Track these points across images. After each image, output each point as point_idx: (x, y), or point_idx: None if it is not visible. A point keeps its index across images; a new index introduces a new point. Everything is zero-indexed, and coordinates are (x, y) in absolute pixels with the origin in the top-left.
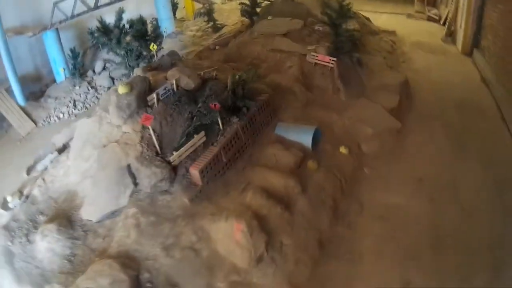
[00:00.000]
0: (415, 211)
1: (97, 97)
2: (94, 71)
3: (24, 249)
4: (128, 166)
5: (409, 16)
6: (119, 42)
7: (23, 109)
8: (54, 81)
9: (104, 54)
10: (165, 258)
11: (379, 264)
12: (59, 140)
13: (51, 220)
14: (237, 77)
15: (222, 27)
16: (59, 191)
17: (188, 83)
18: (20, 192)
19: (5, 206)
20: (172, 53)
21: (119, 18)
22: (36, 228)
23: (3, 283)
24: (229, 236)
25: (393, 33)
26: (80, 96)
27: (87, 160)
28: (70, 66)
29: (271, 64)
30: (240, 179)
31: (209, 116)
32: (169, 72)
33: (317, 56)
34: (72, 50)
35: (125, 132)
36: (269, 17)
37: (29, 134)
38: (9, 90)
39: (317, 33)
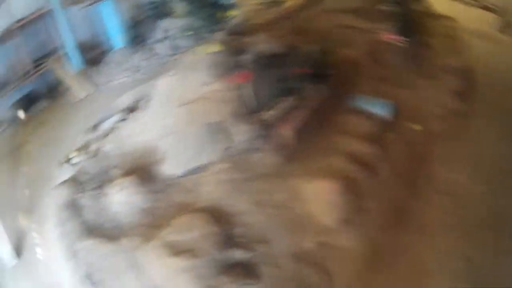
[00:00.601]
0: (476, 191)
1: (160, 64)
2: (152, 40)
3: (95, 202)
4: (220, 122)
5: (466, 3)
6: (199, 7)
7: (82, 73)
8: (111, 48)
9: (163, 23)
10: (257, 214)
11: (444, 238)
12: (124, 102)
13: (128, 173)
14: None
15: (283, 1)
16: (135, 146)
17: (273, 48)
18: (85, 149)
19: (69, 162)
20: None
21: None
22: (109, 181)
23: (71, 236)
24: (321, 196)
25: (452, 19)
26: (141, 63)
27: (170, 117)
28: (128, 34)
29: (340, 39)
30: (326, 143)
31: (298, 80)
32: (254, 37)
33: (386, 34)
34: (133, 18)
35: (217, 90)
36: None
37: (88, 97)
38: (66, 57)
39: (384, 11)
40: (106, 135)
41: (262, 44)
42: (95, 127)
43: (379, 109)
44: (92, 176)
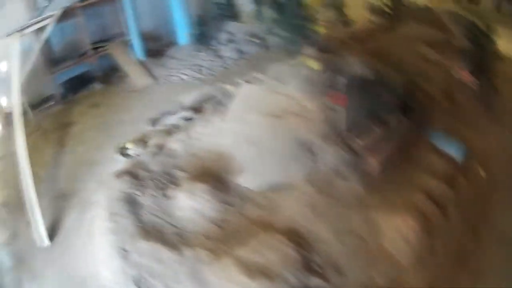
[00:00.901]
0: None
1: (224, 66)
2: (217, 42)
3: (157, 203)
4: (308, 141)
5: None
6: (288, 17)
7: (142, 63)
8: (174, 43)
9: (228, 26)
10: (336, 243)
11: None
12: (187, 100)
13: (197, 178)
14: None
15: (352, 22)
16: (207, 149)
17: (366, 72)
18: (142, 142)
19: (123, 152)
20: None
21: None
22: (174, 183)
23: (124, 233)
24: (398, 232)
25: None
26: (205, 62)
27: (250, 126)
28: (194, 32)
29: (418, 71)
30: (404, 177)
31: (387, 109)
32: (344, 58)
33: (459, 72)
34: (200, 17)
35: (307, 107)
36: (411, 23)
37: (145, 88)
38: (127, 44)
39: (457, 46)
40: (168, 131)
41: (355, 66)
42: (155, 120)
43: (451, 149)
44: (154, 174)
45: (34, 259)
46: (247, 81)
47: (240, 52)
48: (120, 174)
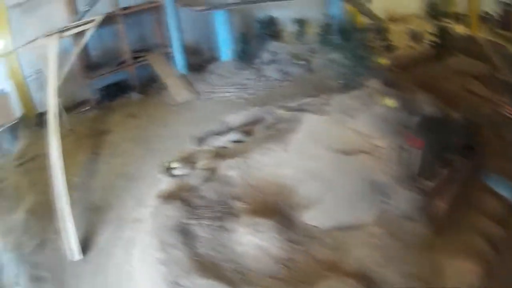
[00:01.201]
0: None
1: (268, 86)
2: (260, 60)
3: (214, 235)
4: (379, 182)
5: None
6: (354, 45)
7: (183, 77)
8: (215, 58)
9: (270, 45)
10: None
11: None
12: (234, 120)
13: (258, 211)
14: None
15: (395, 48)
16: (267, 180)
17: (437, 113)
18: (191, 162)
19: (168, 171)
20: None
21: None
22: (232, 214)
23: (176, 268)
24: (462, 277)
25: None
26: (249, 81)
27: (317, 160)
28: (237, 49)
29: (468, 106)
30: (466, 220)
31: (455, 150)
32: (417, 96)
33: (508, 108)
34: (244, 34)
35: (379, 146)
36: (458, 55)
37: (187, 103)
38: (167, 56)
39: (503, 81)
40: (217, 153)
41: (424, 104)
42: (200, 139)
43: (507, 192)
44: (208, 202)
45: (63, 273)
46: (312, 111)
47: (284, 73)
48: (167, 197)
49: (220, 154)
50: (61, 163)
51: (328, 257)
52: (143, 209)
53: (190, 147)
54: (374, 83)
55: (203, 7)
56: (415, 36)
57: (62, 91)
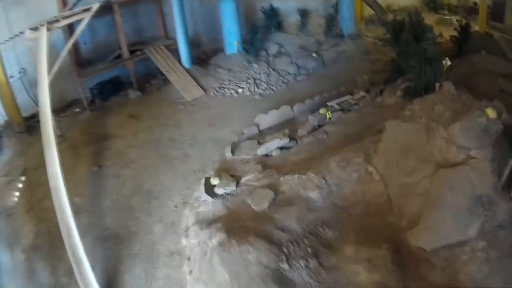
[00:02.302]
0: None
1: (282, 81)
2: (267, 53)
3: (317, 278)
4: (481, 195)
5: None
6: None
7: (188, 72)
8: (218, 50)
9: (276, 36)
10: None
11: None
12: (264, 122)
13: (358, 239)
14: None
15: None
16: (355, 199)
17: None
18: (232, 176)
19: (209, 190)
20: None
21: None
22: (329, 246)
23: None
24: None
25: None
26: (261, 76)
27: (411, 173)
28: (244, 40)
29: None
30: None
31: None
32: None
33: None
34: (253, 25)
35: (473, 158)
36: (483, 52)
37: (195, 100)
38: (170, 49)
39: None
40: (264, 164)
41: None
42: (233, 148)
43: None
44: (291, 234)
45: None
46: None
47: (297, 66)
48: (220, 225)
49: (268, 165)
50: (63, 180)
51: (441, 279)
52: (182, 238)
53: (226, 157)
54: (448, 87)
55: None
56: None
57: (50, 91)
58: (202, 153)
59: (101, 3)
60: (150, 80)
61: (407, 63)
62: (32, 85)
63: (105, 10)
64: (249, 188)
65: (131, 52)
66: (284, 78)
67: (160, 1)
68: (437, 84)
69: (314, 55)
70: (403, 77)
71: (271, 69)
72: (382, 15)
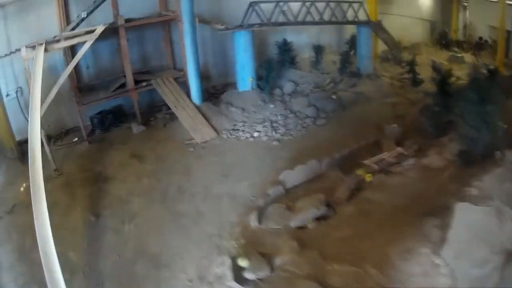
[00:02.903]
0: None
1: (302, 125)
2: (282, 91)
3: None
4: None
5: None
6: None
7: (199, 109)
8: (228, 86)
9: (289, 73)
10: None
11: None
12: (290, 180)
13: None
14: None
15: (422, 82)
16: None
17: None
18: (262, 254)
19: (237, 274)
20: None
21: None
22: None
23: None
24: None
25: None
26: (278, 118)
27: (480, 266)
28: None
29: None
30: None
31: None
32: None
33: None
34: (268, 61)
35: None
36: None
37: (206, 143)
38: (178, 81)
39: None
40: (300, 240)
41: None
42: (260, 213)
43: None
44: None
45: None
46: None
47: (316, 109)
48: None
49: (305, 241)
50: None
51: None
52: None
53: (241, 216)
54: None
55: (225, 26)
56: (438, 68)
57: (47, 117)
58: (217, 212)
59: (106, 25)
60: (155, 113)
61: (464, 124)
62: (28, 106)
63: (110, 33)
64: (287, 276)
65: (137, 82)
66: (303, 122)
67: (169, 27)
68: (498, 153)
69: (333, 97)
70: (448, 135)
71: (288, 111)
72: (397, 53)
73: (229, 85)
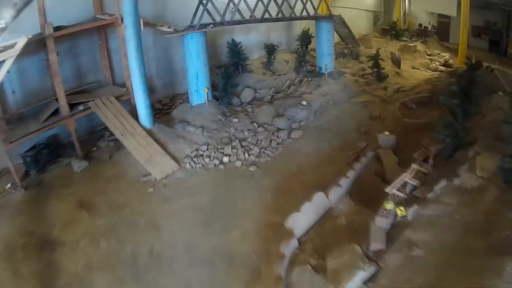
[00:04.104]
0: None
1: (275, 141)
2: (241, 100)
3: None
4: None
5: None
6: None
7: (150, 133)
8: (174, 97)
9: (244, 78)
10: None
11: None
12: (300, 226)
13: None
14: None
15: (387, 77)
16: None
17: None
18: None
19: None
20: None
21: None
22: None
23: None
24: None
25: None
26: (245, 134)
27: None
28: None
29: None
30: None
31: None
32: None
33: None
34: (224, 67)
35: None
36: (499, 93)
37: (168, 179)
38: (121, 100)
39: None
40: None
41: None
42: (285, 282)
43: None
44: None
45: None
46: None
47: (285, 118)
48: None
49: None
50: None
51: None
52: None
53: None
54: None
55: (174, 28)
56: (398, 61)
57: None
58: (216, 285)
59: (29, 36)
60: (97, 140)
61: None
62: None
63: (37, 46)
64: None
65: (72, 105)
66: (276, 137)
67: (106, 34)
68: None
69: (303, 103)
70: (474, 148)
71: (255, 124)
72: (355, 48)
73: (178, 97)
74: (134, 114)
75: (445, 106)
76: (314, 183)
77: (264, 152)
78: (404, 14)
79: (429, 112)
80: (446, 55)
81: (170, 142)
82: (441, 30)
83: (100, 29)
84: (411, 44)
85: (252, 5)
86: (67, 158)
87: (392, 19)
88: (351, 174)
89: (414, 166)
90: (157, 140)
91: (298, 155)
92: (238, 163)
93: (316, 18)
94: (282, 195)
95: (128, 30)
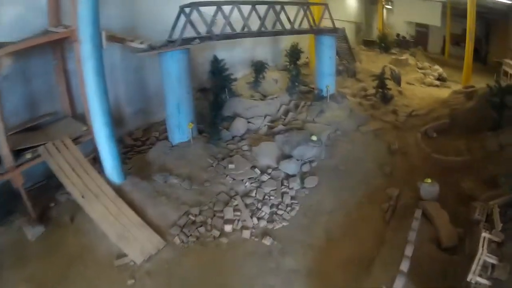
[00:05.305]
0: None
1: (289, 194)
2: (232, 133)
3: None
4: None
5: None
6: None
7: (121, 191)
8: (148, 129)
9: (232, 103)
10: None
11: None
12: None
13: None
14: None
15: (392, 98)
16: None
17: None
18: None
19: None
20: None
21: None
22: None
23: None
24: None
25: None
26: (246, 186)
27: None
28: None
29: None
30: None
31: None
32: None
33: None
34: (214, 93)
35: None
36: None
37: (152, 262)
38: (80, 142)
39: None
40: None
41: None
42: None
43: None
44: None
45: None
46: None
47: (294, 160)
48: None
49: None
50: None
51: None
52: None
53: None
54: None
55: (148, 44)
56: (398, 78)
57: None
58: None
59: None
60: (56, 189)
61: None
62: None
63: None
64: None
65: (19, 151)
66: (287, 187)
67: (63, 52)
68: None
69: (314, 138)
70: None
71: (257, 170)
72: (351, 64)
73: (153, 128)
74: (98, 158)
75: (469, 133)
76: (352, 257)
77: (276, 213)
78: (383, 24)
79: (453, 142)
80: (439, 69)
81: (149, 204)
82: (419, 40)
83: (56, 46)
84: (402, 58)
85: (245, 16)
86: (20, 216)
87: (373, 30)
88: (409, 250)
89: (484, 234)
90: (131, 202)
91: (320, 214)
92: (246, 233)
93: (320, 31)
94: (317, 283)
95: (84, 47)
